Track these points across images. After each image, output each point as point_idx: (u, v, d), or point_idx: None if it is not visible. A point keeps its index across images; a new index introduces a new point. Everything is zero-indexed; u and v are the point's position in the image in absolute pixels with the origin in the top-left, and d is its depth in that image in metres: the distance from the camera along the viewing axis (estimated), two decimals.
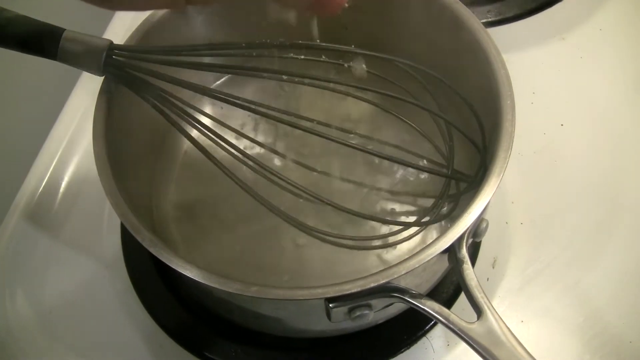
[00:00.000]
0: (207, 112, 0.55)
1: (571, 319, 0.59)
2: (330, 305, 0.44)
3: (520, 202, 0.65)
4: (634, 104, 0.71)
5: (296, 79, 0.52)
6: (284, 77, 0.52)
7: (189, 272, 0.44)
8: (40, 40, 0.50)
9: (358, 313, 0.45)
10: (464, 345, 0.43)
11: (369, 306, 0.45)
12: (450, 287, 0.59)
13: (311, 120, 0.55)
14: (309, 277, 0.56)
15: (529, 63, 0.74)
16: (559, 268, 0.61)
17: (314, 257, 0.57)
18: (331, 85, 0.53)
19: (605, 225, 0.64)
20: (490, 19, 0.75)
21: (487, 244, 0.62)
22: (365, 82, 0.54)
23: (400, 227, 0.57)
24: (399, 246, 0.57)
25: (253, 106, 0.50)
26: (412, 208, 0.60)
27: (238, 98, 0.51)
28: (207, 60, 0.55)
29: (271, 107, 0.52)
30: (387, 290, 0.44)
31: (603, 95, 0.72)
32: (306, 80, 0.51)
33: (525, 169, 0.67)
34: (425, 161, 0.60)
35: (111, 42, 0.50)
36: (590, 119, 0.70)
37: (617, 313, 0.59)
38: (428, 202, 0.59)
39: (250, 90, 0.64)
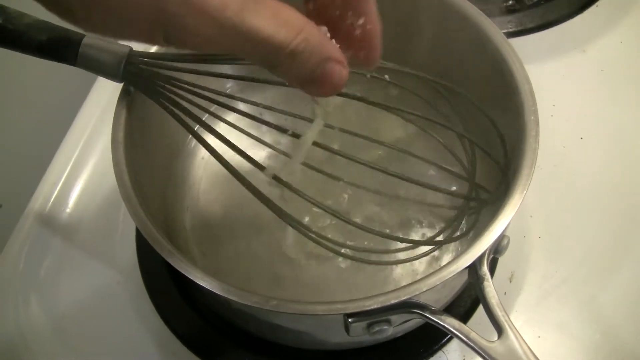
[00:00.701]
0: (228, 119, 0.54)
1: (587, 336, 0.58)
2: (350, 320, 0.43)
3: (539, 216, 0.64)
4: None
5: None
6: None
7: (208, 284, 0.44)
8: (59, 46, 0.50)
9: (377, 328, 0.45)
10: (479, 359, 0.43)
11: (389, 322, 0.45)
12: (467, 300, 0.59)
13: (332, 127, 0.54)
14: (324, 289, 0.56)
15: (549, 75, 0.73)
16: (576, 283, 0.61)
17: (329, 270, 0.57)
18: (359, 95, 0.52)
19: (623, 240, 0.63)
20: (510, 30, 0.74)
21: (504, 258, 0.61)
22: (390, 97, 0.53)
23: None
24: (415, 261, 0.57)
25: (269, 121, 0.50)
26: (430, 224, 0.59)
27: (253, 116, 0.51)
28: (228, 68, 0.54)
29: (287, 112, 0.51)
30: (407, 307, 0.44)
31: (623, 109, 0.71)
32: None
33: (544, 183, 0.66)
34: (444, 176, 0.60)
35: (131, 49, 0.50)
36: (610, 133, 0.69)
37: (634, 330, 0.58)
38: (446, 220, 0.59)
39: (270, 94, 0.62)
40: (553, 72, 0.74)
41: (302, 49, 0.32)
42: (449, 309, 0.56)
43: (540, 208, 0.65)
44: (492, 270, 0.61)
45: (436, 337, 0.57)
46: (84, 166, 0.71)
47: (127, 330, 0.60)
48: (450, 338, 0.57)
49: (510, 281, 0.61)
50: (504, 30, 0.74)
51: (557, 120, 0.70)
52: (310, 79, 0.34)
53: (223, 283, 0.44)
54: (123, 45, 0.50)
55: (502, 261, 0.61)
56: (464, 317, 0.58)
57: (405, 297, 0.42)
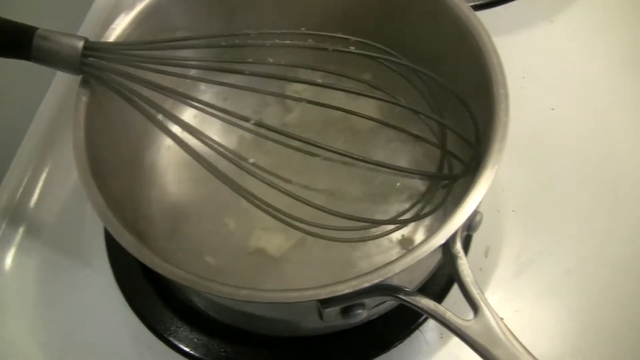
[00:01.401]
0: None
1: (565, 308, 0.58)
2: (323, 306, 0.43)
3: (512, 190, 0.64)
4: (624, 85, 0.70)
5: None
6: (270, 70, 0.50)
7: (176, 276, 0.43)
8: (12, 40, 0.48)
9: (351, 312, 0.44)
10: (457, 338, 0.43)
11: (362, 305, 0.44)
12: (442, 279, 0.58)
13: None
14: (298, 270, 0.56)
15: (518, 47, 0.72)
16: (552, 256, 0.61)
17: (301, 250, 0.57)
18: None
19: (598, 211, 0.63)
20: (477, 2, 0.73)
21: (479, 233, 0.59)
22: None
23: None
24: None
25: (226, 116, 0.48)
26: (402, 201, 0.58)
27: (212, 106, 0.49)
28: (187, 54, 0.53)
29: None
30: (381, 289, 0.43)
31: (593, 77, 0.71)
32: (290, 77, 0.49)
33: (516, 156, 0.65)
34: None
35: (87, 40, 0.49)
36: (581, 103, 0.69)
37: (611, 300, 0.58)
38: (417, 196, 0.58)
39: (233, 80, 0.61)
40: (522, 43, 0.73)
41: None
42: (424, 289, 0.55)
43: (513, 181, 0.64)
44: (466, 246, 0.60)
45: (413, 317, 0.57)
46: (47, 162, 0.69)
47: (100, 324, 0.60)
48: (427, 317, 0.57)
49: (486, 256, 0.61)
50: (471, 3, 0.72)
51: (527, 93, 0.69)
52: None
53: (192, 274, 0.42)
54: (78, 36, 0.49)
55: (477, 237, 0.61)
56: (439, 297, 0.57)
57: (377, 280, 0.41)
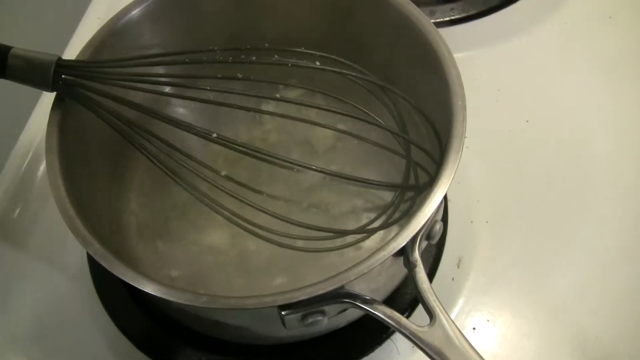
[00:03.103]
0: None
1: (538, 316, 0.59)
2: (283, 313, 0.44)
3: (486, 201, 0.65)
4: (599, 99, 0.71)
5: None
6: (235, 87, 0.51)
7: (141, 285, 0.44)
8: None
9: (311, 320, 0.45)
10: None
11: (323, 312, 0.45)
12: (411, 293, 0.59)
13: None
14: (271, 279, 0.57)
15: (494, 60, 0.74)
16: (525, 266, 0.61)
17: (274, 259, 0.57)
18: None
19: (571, 221, 0.64)
20: (454, 17, 0.75)
21: (452, 243, 0.62)
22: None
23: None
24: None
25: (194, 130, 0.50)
26: (366, 212, 0.60)
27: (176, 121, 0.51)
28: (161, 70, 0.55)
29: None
30: (338, 297, 0.44)
31: (568, 90, 0.72)
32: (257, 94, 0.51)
33: (491, 167, 0.67)
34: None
35: (59, 58, 0.50)
36: (556, 115, 0.70)
37: (583, 309, 0.59)
38: (381, 208, 0.59)
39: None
40: (498, 57, 0.74)
41: None
42: (390, 302, 0.56)
43: (487, 193, 0.65)
44: (438, 257, 0.61)
45: (384, 326, 0.57)
46: (34, 173, 0.70)
47: (80, 334, 0.61)
48: None
49: (458, 267, 0.61)
50: (447, 18, 0.74)
51: (502, 105, 0.70)
52: None
53: (155, 283, 0.44)
54: (51, 54, 0.50)
55: (449, 247, 0.62)
56: (408, 310, 0.58)
57: (332, 287, 0.42)
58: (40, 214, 0.68)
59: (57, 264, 0.64)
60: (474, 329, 0.58)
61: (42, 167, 0.71)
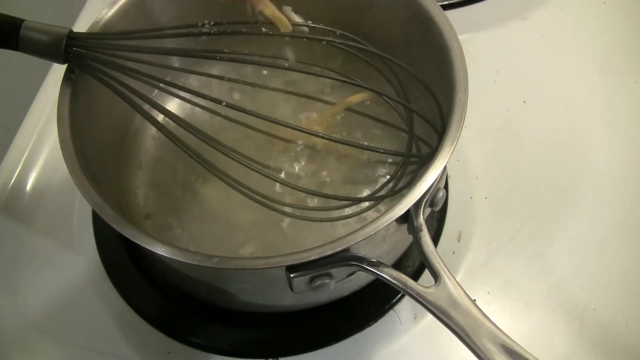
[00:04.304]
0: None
1: (536, 289, 0.60)
2: (291, 275, 0.45)
3: (485, 177, 0.66)
4: (594, 81, 0.73)
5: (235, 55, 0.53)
6: (243, 57, 0.53)
7: (154, 247, 0.45)
8: (0, 31, 0.50)
9: (319, 282, 0.46)
10: (430, 317, 0.45)
11: (330, 275, 0.46)
12: (416, 260, 0.60)
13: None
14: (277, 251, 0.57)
15: (492, 43, 0.76)
16: (523, 240, 0.63)
17: (278, 230, 0.58)
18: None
19: (567, 198, 0.65)
20: (452, 1, 0.76)
21: (452, 218, 0.63)
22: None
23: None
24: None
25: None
26: (371, 182, 0.61)
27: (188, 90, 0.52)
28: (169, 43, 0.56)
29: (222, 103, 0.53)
30: (345, 259, 0.45)
31: (564, 72, 0.74)
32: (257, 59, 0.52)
33: (489, 145, 0.68)
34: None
35: (71, 30, 0.51)
36: (552, 96, 0.72)
37: (580, 282, 0.60)
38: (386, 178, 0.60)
39: (215, 71, 0.63)
40: (495, 40, 0.76)
41: None
42: (397, 267, 0.57)
43: (486, 170, 0.67)
44: (439, 230, 0.63)
45: (387, 297, 0.59)
46: (40, 153, 0.71)
47: (88, 308, 0.62)
48: (401, 297, 0.59)
49: (459, 241, 0.63)
50: (447, 1, 0.76)
51: (499, 86, 0.72)
52: None
53: (167, 245, 0.45)
54: (62, 27, 0.51)
55: (449, 222, 0.63)
56: (413, 276, 0.59)
57: (340, 248, 0.44)
58: (48, 193, 0.69)
59: (64, 241, 0.66)
60: (474, 300, 0.59)
61: (47, 149, 0.72)
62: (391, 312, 0.59)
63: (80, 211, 0.67)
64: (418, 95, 0.58)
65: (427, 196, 0.47)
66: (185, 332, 0.58)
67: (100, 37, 0.53)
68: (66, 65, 0.53)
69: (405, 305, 0.59)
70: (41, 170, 0.70)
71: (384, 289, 0.58)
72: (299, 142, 0.58)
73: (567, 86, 0.72)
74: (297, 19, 0.54)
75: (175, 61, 0.63)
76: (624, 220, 0.64)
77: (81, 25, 0.79)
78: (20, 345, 0.61)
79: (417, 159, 0.57)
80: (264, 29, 0.52)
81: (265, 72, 0.62)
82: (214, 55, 0.51)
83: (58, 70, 0.58)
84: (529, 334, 0.58)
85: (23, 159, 0.71)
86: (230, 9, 0.54)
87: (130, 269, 0.62)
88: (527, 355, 0.41)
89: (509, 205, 0.65)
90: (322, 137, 0.54)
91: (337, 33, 0.54)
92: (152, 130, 0.63)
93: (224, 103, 0.51)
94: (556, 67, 0.74)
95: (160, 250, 0.44)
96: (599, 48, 0.75)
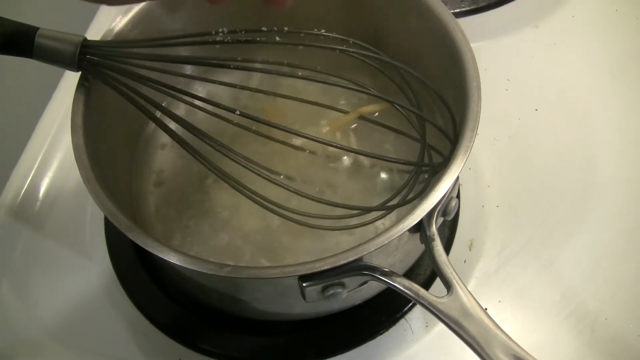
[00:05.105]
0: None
1: (547, 298, 0.60)
2: (304, 284, 0.45)
3: (496, 186, 0.66)
4: (605, 89, 0.73)
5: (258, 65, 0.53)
6: (256, 65, 0.53)
7: (166, 255, 0.45)
8: (15, 39, 0.51)
9: (331, 291, 0.46)
10: (442, 326, 0.44)
11: (342, 284, 0.46)
12: (427, 269, 0.60)
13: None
14: (285, 260, 0.57)
15: (503, 51, 0.75)
16: (534, 249, 0.63)
17: (289, 239, 0.58)
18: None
19: (578, 206, 0.65)
20: (464, 9, 0.76)
21: (463, 227, 0.63)
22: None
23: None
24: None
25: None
26: (383, 191, 0.61)
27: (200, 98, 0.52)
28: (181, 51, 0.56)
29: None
30: (358, 268, 0.45)
31: (576, 80, 0.73)
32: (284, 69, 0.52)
33: (501, 154, 0.68)
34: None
35: (85, 38, 0.52)
36: (563, 104, 0.71)
37: (592, 291, 0.60)
38: (397, 187, 0.60)
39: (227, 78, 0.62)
40: (507, 47, 0.76)
41: None
42: (408, 276, 0.57)
43: (497, 178, 0.67)
44: (451, 239, 0.63)
45: (398, 306, 0.59)
46: (52, 159, 0.72)
47: (100, 315, 0.62)
48: (413, 306, 0.59)
49: (470, 249, 0.63)
50: (458, 10, 0.76)
51: (511, 94, 0.72)
52: None
53: (180, 253, 0.45)
54: (76, 35, 0.52)
55: (461, 230, 0.63)
56: (424, 285, 0.59)
57: (353, 258, 0.44)
58: (60, 199, 0.69)
59: (76, 246, 0.66)
60: (485, 309, 0.59)
61: (59, 155, 0.72)
62: (402, 320, 0.59)
63: (92, 217, 0.67)
64: (430, 104, 0.58)
65: (439, 206, 0.47)
66: (197, 339, 0.58)
67: (114, 45, 0.53)
68: (80, 72, 0.54)
69: (417, 314, 0.59)
70: (54, 176, 0.71)
71: (395, 297, 0.58)
72: (311, 151, 0.58)
73: (579, 94, 0.72)
74: None
75: (188, 69, 0.63)
76: (635, 228, 0.63)
77: (93, 33, 0.79)
78: (31, 351, 0.61)
79: (429, 168, 0.57)
80: (277, 38, 0.52)
81: (278, 79, 0.61)
82: (228, 63, 0.51)
83: (70, 77, 0.58)
84: (540, 343, 0.58)
85: (36, 165, 0.71)
86: (241, 17, 0.54)
87: (142, 276, 0.62)
88: None
89: (520, 214, 0.65)
90: (335, 146, 0.54)
91: (351, 42, 0.54)
92: (165, 137, 0.63)
93: (238, 112, 0.51)
94: (568, 75, 0.74)
95: (173, 258, 0.45)
96: (611, 56, 0.75)
